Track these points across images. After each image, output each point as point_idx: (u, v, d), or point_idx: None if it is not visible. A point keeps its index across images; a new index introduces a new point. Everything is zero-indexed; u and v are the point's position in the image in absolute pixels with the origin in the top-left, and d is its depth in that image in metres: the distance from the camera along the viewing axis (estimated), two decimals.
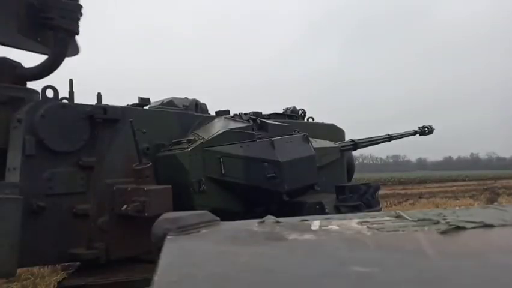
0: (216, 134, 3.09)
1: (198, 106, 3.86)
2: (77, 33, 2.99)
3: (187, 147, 3.02)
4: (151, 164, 2.88)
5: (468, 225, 0.62)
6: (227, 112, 3.75)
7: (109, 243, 2.87)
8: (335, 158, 4.26)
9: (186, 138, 3.17)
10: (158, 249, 0.57)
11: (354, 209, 3.25)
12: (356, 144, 4.78)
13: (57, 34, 2.90)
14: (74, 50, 3.22)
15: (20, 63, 2.95)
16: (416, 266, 0.49)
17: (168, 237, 0.60)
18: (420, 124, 6.59)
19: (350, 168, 5.16)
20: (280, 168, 3.02)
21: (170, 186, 2.74)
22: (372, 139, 5.43)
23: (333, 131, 4.75)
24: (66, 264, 6.92)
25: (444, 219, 0.67)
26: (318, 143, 3.97)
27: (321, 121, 4.99)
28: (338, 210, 3.34)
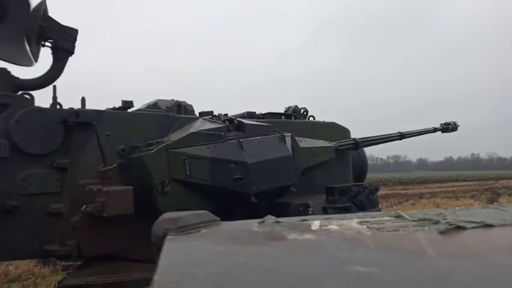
0: (181, 136, 3.11)
1: (181, 107, 3.87)
2: (73, 53, 3.28)
3: (152, 149, 3.06)
4: (115, 165, 2.96)
5: (468, 225, 0.62)
6: (210, 113, 3.74)
7: (81, 241, 2.98)
8: (329, 158, 4.11)
9: (157, 140, 3.20)
10: (158, 249, 0.57)
11: (344, 211, 3.17)
12: (357, 143, 4.57)
13: (58, 53, 3.20)
14: (29, 62, 3.44)
15: (18, 77, 3.19)
16: (416, 265, 0.49)
17: (168, 237, 0.60)
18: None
19: (362, 168, 5.00)
20: (247, 170, 3.00)
21: (131, 187, 2.83)
22: (379, 138, 5.18)
23: (334, 130, 4.60)
24: (66, 264, 6.94)
25: (445, 219, 0.67)
26: (308, 142, 3.88)
27: (322, 120, 4.90)
28: (325, 211, 3.26)
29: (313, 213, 3.14)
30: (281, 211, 3.28)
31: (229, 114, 4.37)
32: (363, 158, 5.15)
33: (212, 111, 3.76)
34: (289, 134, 3.49)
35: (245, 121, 3.46)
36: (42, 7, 3.10)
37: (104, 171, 2.89)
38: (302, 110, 4.89)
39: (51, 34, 3.15)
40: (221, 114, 3.59)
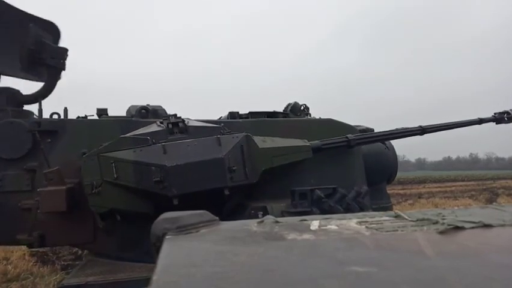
0: (111, 142, 3.29)
1: (148, 112, 3.95)
2: (64, 69, 3.81)
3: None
4: (57, 168, 3.28)
5: (467, 225, 0.62)
6: (169, 117, 3.76)
7: (44, 232, 3.43)
8: (304, 157, 3.83)
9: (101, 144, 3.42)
10: (157, 249, 0.57)
11: (304, 215, 3.06)
12: (349, 141, 4.01)
13: (49, 70, 3.74)
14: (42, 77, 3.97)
15: (19, 91, 3.81)
16: (414, 265, 0.50)
17: (167, 236, 0.60)
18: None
19: (382, 169, 4.56)
20: (167, 173, 3.05)
21: (63, 187, 3.19)
22: (383, 134, 4.43)
23: (330, 127, 4.21)
24: (65, 263, 6.94)
25: (443, 219, 0.67)
26: (275, 142, 3.74)
27: (318, 117, 4.61)
28: (283, 216, 3.20)
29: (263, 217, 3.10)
30: (239, 213, 3.40)
31: (223, 116, 4.33)
32: (380, 158, 4.54)
33: (174, 115, 3.72)
34: (239, 134, 3.42)
35: (190, 124, 3.49)
36: (32, 32, 3.57)
37: (46, 173, 3.26)
38: (302, 107, 4.75)
39: (42, 55, 3.61)
40: (171, 117, 3.59)
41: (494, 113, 5.10)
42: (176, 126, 3.40)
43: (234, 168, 3.24)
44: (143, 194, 3.21)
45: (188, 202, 2.87)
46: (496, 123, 5.13)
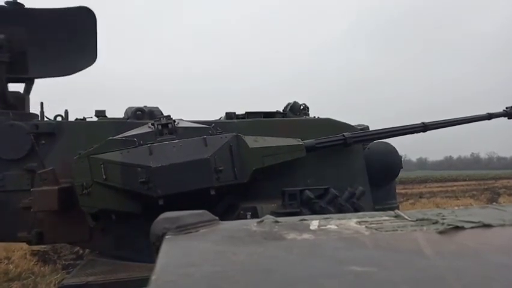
0: (101, 143, 3.35)
1: (143, 113, 3.98)
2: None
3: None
4: (51, 168, 3.40)
5: (467, 225, 0.62)
6: (161, 117, 3.81)
7: (44, 230, 3.54)
8: (296, 157, 3.74)
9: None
10: (157, 249, 0.57)
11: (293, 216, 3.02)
12: (345, 140, 3.88)
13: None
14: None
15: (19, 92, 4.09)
16: (414, 265, 0.50)
17: (167, 236, 0.60)
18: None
19: (382, 168, 4.32)
20: (152, 174, 3.08)
21: (55, 188, 3.28)
22: (382, 131, 4.24)
23: (328, 126, 4.09)
24: (66, 263, 6.96)
25: (443, 219, 0.67)
26: (267, 141, 3.69)
27: (316, 116, 4.50)
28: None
29: (251, 218, 3.13)
30: (229, 214, 3.45)
31: (220, 116, 4.32)
32: (377, 157, 4.35)
33: (166, 116, 3.71)
34: (228, 134, 3.42)
35: (180, 125, 3.50)
36: None
37: (40, 174, 3.37)
38: (301, 106, 4.73)
39: None
40: (162, 118, 3.60)
41: (506, 107, 4.79)
42: (166, 127, 3.42)
43: (220, 168, 3.23)
44: (131, 195, 3.25)
45: (175, 203, 2.87)
46: (508, 118, 4.84)
